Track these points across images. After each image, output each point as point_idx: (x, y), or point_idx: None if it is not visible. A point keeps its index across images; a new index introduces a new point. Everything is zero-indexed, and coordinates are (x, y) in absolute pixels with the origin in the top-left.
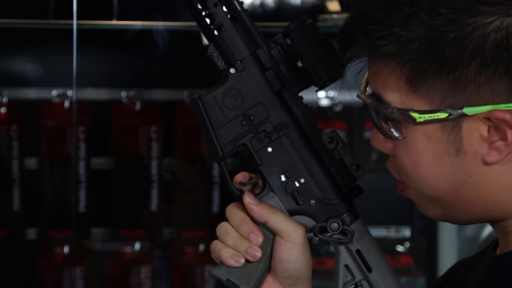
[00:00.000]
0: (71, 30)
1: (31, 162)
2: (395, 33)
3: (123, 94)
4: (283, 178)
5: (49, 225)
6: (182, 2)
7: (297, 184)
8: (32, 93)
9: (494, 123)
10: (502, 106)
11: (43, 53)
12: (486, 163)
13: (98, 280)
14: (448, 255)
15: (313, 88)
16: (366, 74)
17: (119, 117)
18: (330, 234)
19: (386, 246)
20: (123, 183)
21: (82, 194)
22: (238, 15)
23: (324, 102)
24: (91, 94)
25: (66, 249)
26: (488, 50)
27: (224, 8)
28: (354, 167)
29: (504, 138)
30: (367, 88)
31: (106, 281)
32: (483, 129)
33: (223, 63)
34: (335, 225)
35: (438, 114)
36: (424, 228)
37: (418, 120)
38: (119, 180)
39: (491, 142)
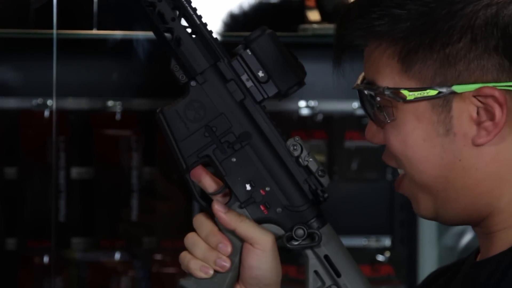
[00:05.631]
0: (51, 39)
1: (11, 172)
2: (391, 13)
3: (104, 103)
4: (248, 187)
5: (29, 235)
6: (141, 17)
7: (262, 193)
8: (12, 103)
9: (483, 104)
10: (491, 84)
11: (22, 62)
12: (475, 145)
13: None
14: (428, 264)
15: (294, 97)
16: (362, 74)
17: (99, 127)
18: (298, 242)
19: (366, 256)
20: (103, 193)
21: (62, 203)
22: (197, 28)
23: (305, 111)
24: (71, 103)
25: (46, 259)
26: (478, 27)
27: (183, 22)
28: (319, 173)
29: (492, 118)
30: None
31: None
32: (472, 109)
33: (184, 77)
34: (300, 232)
35: (428, 91)
36: (404, 237)
37: (408, 98)
38: (99, 190)
39: (479, 122)
